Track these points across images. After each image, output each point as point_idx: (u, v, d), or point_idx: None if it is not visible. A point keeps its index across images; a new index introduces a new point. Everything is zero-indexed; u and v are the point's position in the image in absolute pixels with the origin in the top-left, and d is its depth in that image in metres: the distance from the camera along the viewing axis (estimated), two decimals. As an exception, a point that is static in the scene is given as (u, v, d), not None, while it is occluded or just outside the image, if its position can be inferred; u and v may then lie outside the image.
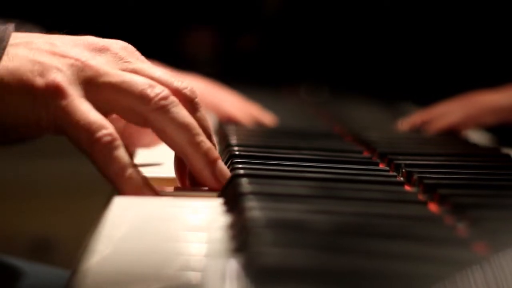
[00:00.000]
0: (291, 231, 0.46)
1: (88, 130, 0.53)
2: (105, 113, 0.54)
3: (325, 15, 1.64)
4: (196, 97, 0.57)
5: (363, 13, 1.58)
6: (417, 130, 0.96)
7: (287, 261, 0.40)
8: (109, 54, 0.56)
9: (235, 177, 0.57)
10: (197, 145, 0.55)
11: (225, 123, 0.93)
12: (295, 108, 1.23)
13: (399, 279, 0.39)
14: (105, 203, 0.54)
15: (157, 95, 0.55)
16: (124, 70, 0.56)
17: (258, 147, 0.71)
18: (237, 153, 0.66)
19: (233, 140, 0.72)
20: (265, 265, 0.39)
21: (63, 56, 0.55)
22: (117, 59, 0.56)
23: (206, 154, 0.56)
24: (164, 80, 0.56)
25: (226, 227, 0.48)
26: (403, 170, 0.63)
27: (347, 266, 0.40)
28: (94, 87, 0.54)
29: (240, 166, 0.61)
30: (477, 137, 1.00)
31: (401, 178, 0.63)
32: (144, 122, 0.55)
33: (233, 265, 0.41)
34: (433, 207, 0.54)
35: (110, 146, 0.53)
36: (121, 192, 0.54)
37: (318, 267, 0.40)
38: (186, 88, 0.57)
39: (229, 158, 0.65)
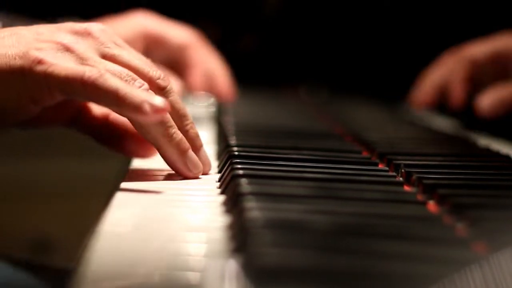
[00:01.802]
0: (290, 231, 0.46)
1: (77, 76, 0.57)
2: None
3: (325, 15, 1.64)
4: (168, 85, 0.61)
5: (363, 13, 1.58)
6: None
7: (286, 261, 0.40)
8: (91, 38, 0.61)
9: (235, 177, 0.57)
10: (170, 136, 0.60)
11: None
12: (295, 108, 1.23)
13: (398, 279, 0.39)
14: (105, 203, 0.54)
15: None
16: (104, 55, 0.61)
17: (258, 147, 0.71)
18: (236, 153, 0.66)
19: (233, 141, 0.72)
20: (264, 266, 0.39)
21: (47, 41, 0.60)
22: (98, 44, 0.61)
23: (177, 145, 0.60)
24: (140, 69, 0.61)
25: (226, 227, 0.49)
26: (402, 170, 0.63)
27: (346, 266, 0.40)
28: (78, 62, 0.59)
29: (239, 166, 0.61)
30: (440, 122, 1.02)
31: (400, 178, 0.63)
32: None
33: (232, 266, 0.41)
34: (432, 207, 0.54)
35: (101, 78, 0.57)
36: (126, 116, 0.59)
37: (317, 267, 0.40)
38: (159, 77, 0.61)
39: (228, 159, 0.65)
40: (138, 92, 0.58)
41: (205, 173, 0.64)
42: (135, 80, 0.59)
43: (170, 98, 0.61)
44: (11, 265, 0.80)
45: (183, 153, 0.61)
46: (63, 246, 1.76)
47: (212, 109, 1.07)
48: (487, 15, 1.30)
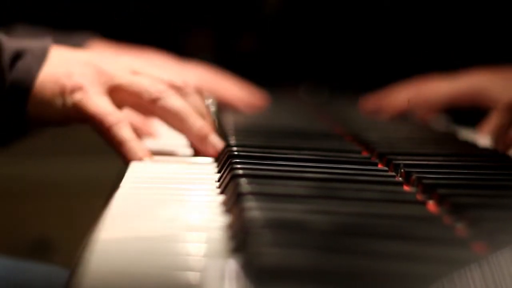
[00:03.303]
0: (289, 231, 0.46)
1: (98, 118, 0.69)
2: (119, 107, 0.71)
3: (325, 15, 1.64)
4: (186, 86, 0.73)
5: (363, 14, 1.58)
6: (373, 113, 1.09)
7: (286, 261, 0.40)
8: (121, 62, 0.73)
9: (234, 177, 0.57)
10: (190, 125, 0.71)
11: (224, 110, 1.01)
12: (295, 108, 1.23)
13: (398, 279, 0.39)
14: (105, 203, 0.54)
15: (155, 91, 0.71)
16: (133, 72, 0.72)
17: (257, 147, 0.72)
18: (236, 153, 0.66)
19: (232, 141, 0.73)
20: (264, 265, 0.39)
21: (86, 64, 0.71)
22: (127, 65, 0.73)
23: (198, 132, 0.72)
24: (160, 78, 0.72)
25: (225, 227, 0.49)
26: (402, 170, 0.63)
27: (345, 266, 0.40)
28: (110, 87, 0.71)
29: (239, 166, 0.61)
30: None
31: (400, 178, 0.63)
32: (149, 113, 0.72)
33: (232, 265, 0.41)
34: (431, 207, 0.54)
35: (115, 126, 0.69)
36: (126, 161, 0.68)
37: (316, 267, 0.40)
38: (178, 81, 0.72)
39: (228, 158, 0.65)
40: (138, 150, 0.69)
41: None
42: (155, 85, 0.71)
43: (189, 98, 0.72)
44: (11, 265, 0.81)
45: (203, 138, 0.72)
46: (63, 246, 1.76)
47: (212, 109, 1.07)
48: (487, 16, 1.30)
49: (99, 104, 0.70)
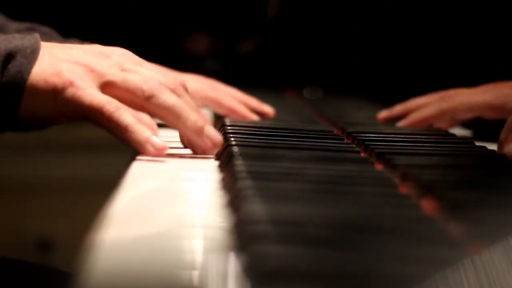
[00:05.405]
0: (289, 231, 0.46)
1: (97, 108, 0.68)
2: None
3: (325, 17, 1.64)
4: (177, 86, 0.72)
5: (363, 16, 1.59)
6: (394, 122, 1.02)
7: (285, 261, 0.41)
8: (111, 60, 0.72)
9: (235, 176, 0.58)
10: (185, 119, 0.70)
11: (227, 116, 0.98)
12: (293, 108, 1.24)
13: (398, 279, 0.39)
14: (106, 201, 0.55)
15: (148, 87, 0.70)
16: (123, 70, 0.72)
17: (257, 147, 0.72)
18: (237, 152, 0.67)
19: (233, 141, 0.73)
20: (264, 265, 0.40)
21: (76, 62, 0.70)
22: (117, 63, 0.72)
23: (193, 125, 0.70)
24: (151, 76, 0.71)
25: (226, 226, 0.49)
26: (399, 170, 0.63)
27: (343, 266, 0.41)
28: (102, 84, 0.70)
29: (239, 162, 0.61)
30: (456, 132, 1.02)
31: (397, 178, 0.63)
32: (142, 109, 0.70)
33: (232, 265, 0.41)
34: (428, 207, 0.54)
35: (116, 113, 0.68)
36: (131, 144, 0.68)
37: (315, 267, 0.41)
38: (170, 81, 0.72)
39: (229, 157, 0.65)
40: (144, 130, 0.68)
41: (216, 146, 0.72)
42: (146, 82, 0.70)
43: (181, 98, 0.71)
44: (12, 266, 0.81)
45: (199, 131, 0.70)
46: (65, 245, 1.77)
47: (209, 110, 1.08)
48: (482, 17, 1.30)
49: (94, 95, 0.69)
